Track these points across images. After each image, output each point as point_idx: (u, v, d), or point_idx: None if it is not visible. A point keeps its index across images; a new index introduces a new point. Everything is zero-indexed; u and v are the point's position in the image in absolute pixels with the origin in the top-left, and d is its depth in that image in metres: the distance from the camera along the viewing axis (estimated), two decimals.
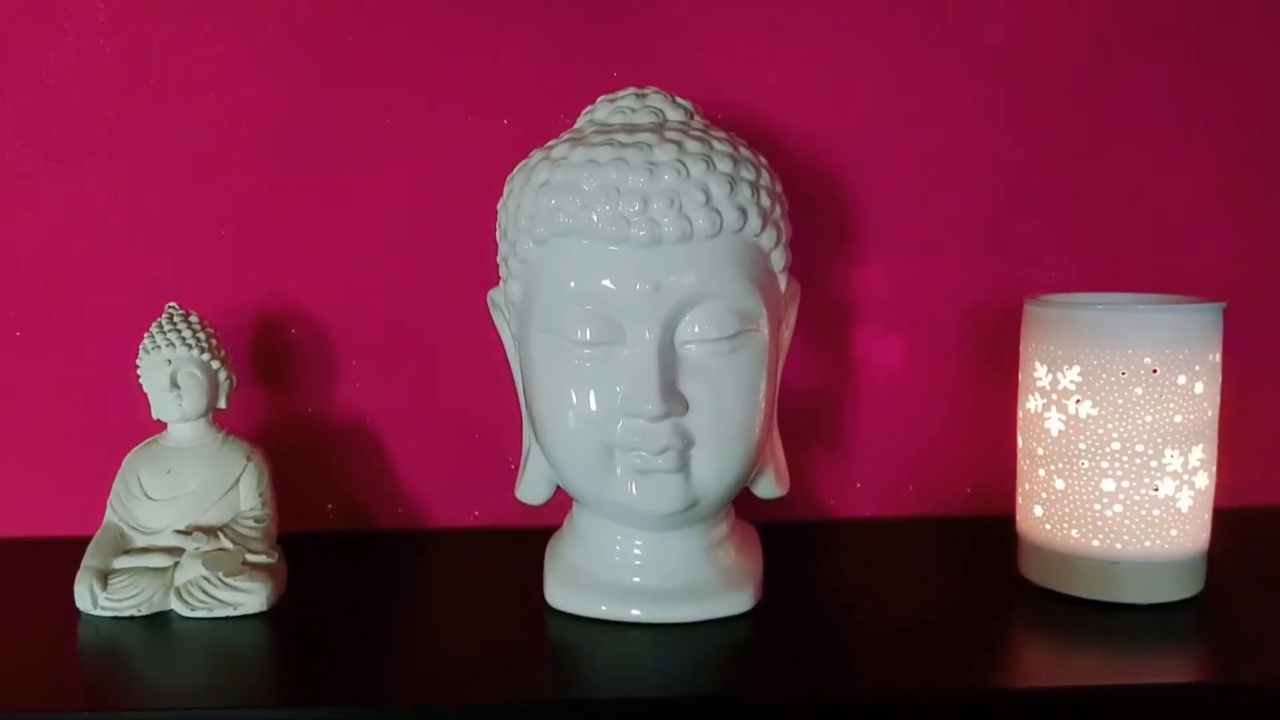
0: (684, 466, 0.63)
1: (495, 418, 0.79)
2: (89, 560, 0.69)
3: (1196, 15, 0.82)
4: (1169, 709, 0.58)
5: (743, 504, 0.71)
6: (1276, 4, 0.82)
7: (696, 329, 0.62)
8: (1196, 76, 0.82)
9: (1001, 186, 0.83)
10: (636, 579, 0.67)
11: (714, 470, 0.63)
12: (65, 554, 0.71)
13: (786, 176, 0.71)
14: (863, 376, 0.84)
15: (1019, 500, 0.71)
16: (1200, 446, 0.65)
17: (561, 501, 0.71)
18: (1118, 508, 0.65)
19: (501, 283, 0.68)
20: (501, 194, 0.67)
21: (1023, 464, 0.70)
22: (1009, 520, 0.73)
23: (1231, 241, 0.84)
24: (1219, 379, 0.67)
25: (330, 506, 0.84)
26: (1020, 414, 0.70)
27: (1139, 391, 0.64)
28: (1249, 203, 0.83)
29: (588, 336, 0.62)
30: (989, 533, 0.77)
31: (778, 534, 0.77)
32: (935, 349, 0.84)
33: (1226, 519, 0.76)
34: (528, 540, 0.74)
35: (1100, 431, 0.65)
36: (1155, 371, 0.64)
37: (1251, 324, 0.84)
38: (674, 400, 0.61)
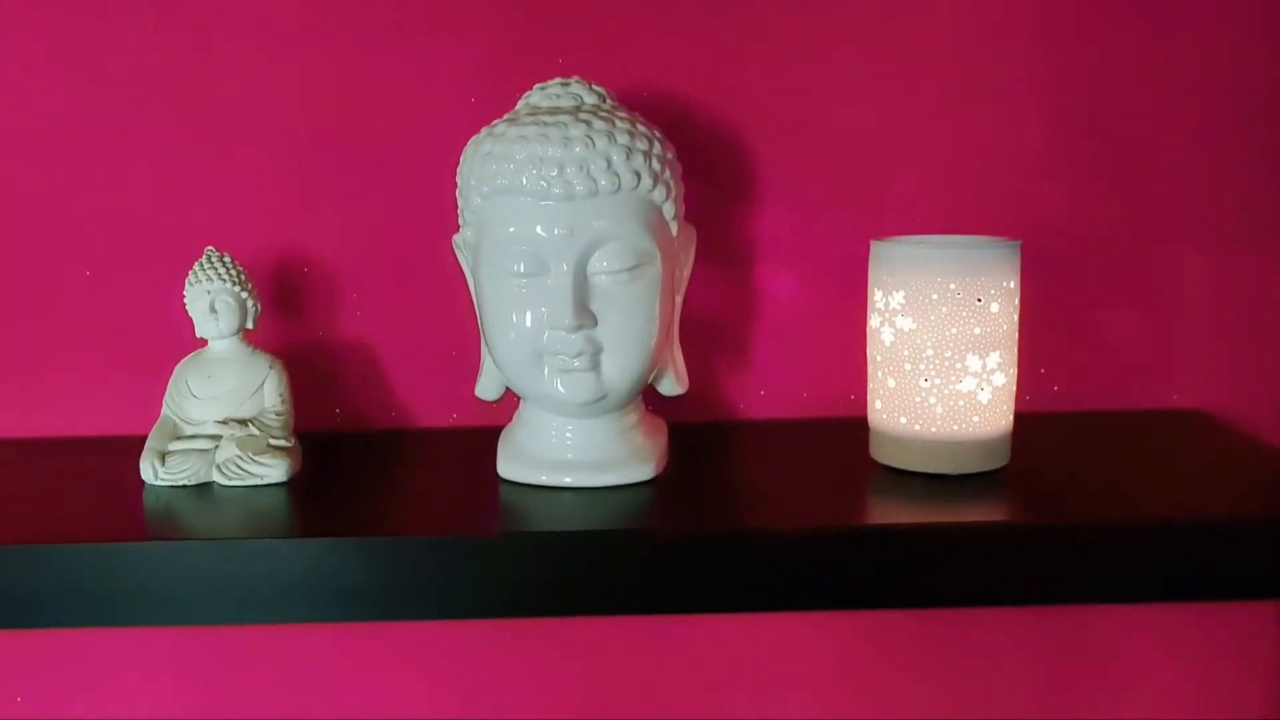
0: (595, 367, 0.81)
1: (465, 338, 0.94)
2: (150, 444, 0.87)
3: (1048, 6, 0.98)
4: (969, 541, 0.77)
5: (666, 406, 0.91)
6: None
7: (604, 263, 0.79)
8: (1038, 54, 0.99)
9: (876, 149, 0.99)
10: (568, 455, 0.84)
11: (618, 370, 0.81)
12: (130, 446, 0.88)
13: (698, 143, 0.90)
14: (766, 303, 1.01)
15: (868, 397, 0.88)
16: (997, 353, 0.83)
17: (512, 403, 0.89)
18: (933, 399, 0.82)
19: (460, 229, 0.87)
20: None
21: (869, 369, 0.88)
22: None
23: (1064, 193, 1.00)
24: (1015, 301, 0.84)
25: (338, 411, 1.01)
26: (867, 329, 0.88)
27: (945, 310, 0.81)
28: (1082, 163, 1.00)
29: (522, 270, 0.80)
30: (862, 428, 0.93)
31: (691, 430, 0.95)
32: (823, 280, 1.00)
33: (1043, 420, 0.96)
34: (490, 435, 0.91)
35: (918, 341, 0.82)
36: (958, 294, 0.81)
37: (1075, 259, 1.01)
38: (585, 316, 0.79)
